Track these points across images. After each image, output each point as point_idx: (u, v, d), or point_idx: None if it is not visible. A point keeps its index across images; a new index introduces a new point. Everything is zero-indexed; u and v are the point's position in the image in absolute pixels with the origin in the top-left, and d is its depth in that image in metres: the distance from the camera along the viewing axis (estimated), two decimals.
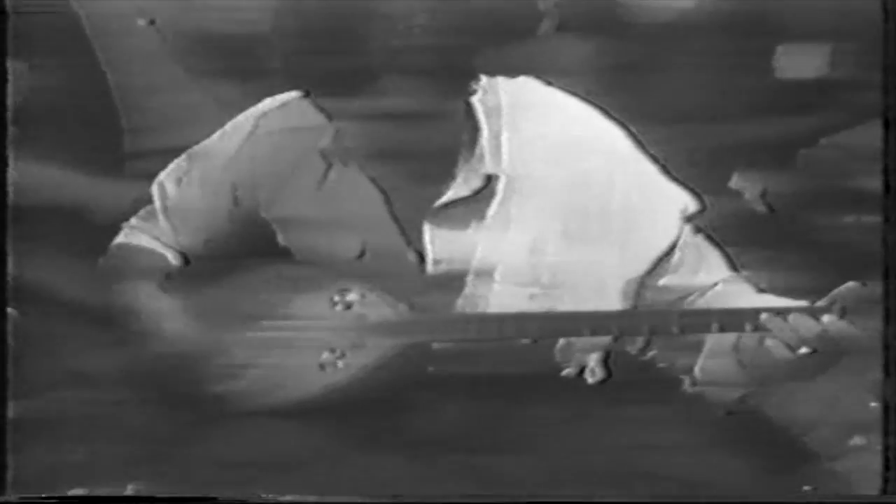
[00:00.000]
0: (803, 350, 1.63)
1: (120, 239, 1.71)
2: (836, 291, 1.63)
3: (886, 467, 1.67)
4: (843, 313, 1.62)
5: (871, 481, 1.67)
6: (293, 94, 1.68)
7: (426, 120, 1.66)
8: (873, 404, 1.66)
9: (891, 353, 1.65)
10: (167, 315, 1.70)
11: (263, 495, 1.69)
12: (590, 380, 1.68)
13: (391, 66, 1.66)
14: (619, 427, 1.68)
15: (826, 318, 1.63)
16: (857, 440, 1.67)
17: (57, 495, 1.71)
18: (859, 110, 1.65)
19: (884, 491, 1.67)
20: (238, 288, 1.69)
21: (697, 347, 1.66)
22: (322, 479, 1.69)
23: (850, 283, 1.64)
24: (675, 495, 1.68)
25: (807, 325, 1.63)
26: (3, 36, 1.70)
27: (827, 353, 1.64)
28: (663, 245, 1.68)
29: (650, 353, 1.68)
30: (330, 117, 1.68)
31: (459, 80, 1.67)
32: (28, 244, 1.70)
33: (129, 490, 1.71)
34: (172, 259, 1.70)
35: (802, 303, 1.64)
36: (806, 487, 1.67)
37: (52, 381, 1.71)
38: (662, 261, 1.68)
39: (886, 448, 1.67)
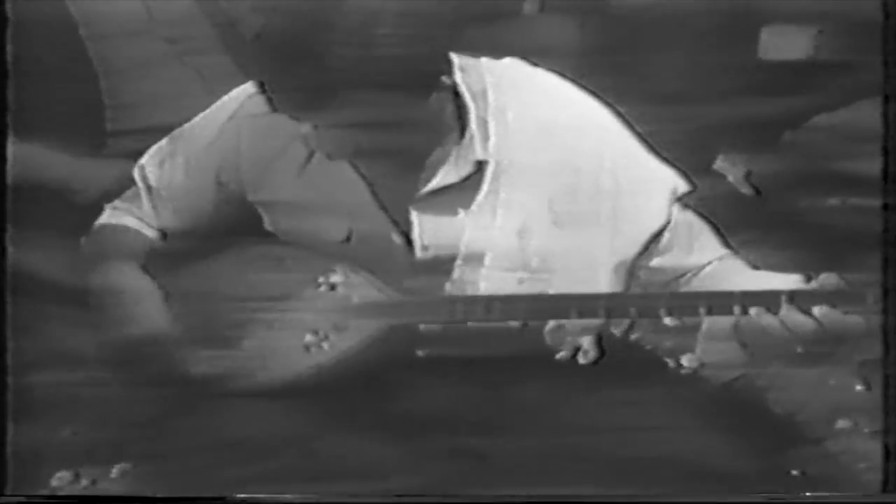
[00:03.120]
0: (798, 350, 1.64)
1: (103, 219, 1.69)
2: (817, 280, 1.63)
3: (886, 458, 1.67)
4: (833, 303, 1.63)
5: (858, 465, 1.66)
6: (249, 90, 1.67)
7: (401, 124, 1.66)
8: (859, 388, 1.65)
9: (890, 342, 1.65)
10: (150, 295, 1.68)
11: (263, 495, 1.67)
12: (583, 361, 1.67)
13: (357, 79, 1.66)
14: (608, 409, 1.66)
15: (817, 311, 1.63)
16: (842, 423, 1.66)
17: (57, 495, 1.69)
18: (844, 92, 1.66)
19: (884, 489, 1.67)
20: (222, 269, 1.67)
21: (683, 330, 1.66)
22: (306, 462, 1.67)
23: (827, 274, 1.64)
24: (669, 481, 1.67)
25: (799, 321, 1.63)
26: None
27: (826, 344, 1.64)
28: (654, 226, 1.67)
29: (634, 336, 1.67)
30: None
31: (430, 84, 1.67)
32: (11, 224, 1.68)
33: (115, 472, 1.68)
34: (156, 240, 1.68)
35: (797, 276, 1.64)
36: (794, 472, 1.66)
37: (36, 361, 1.68)
38: (653, 242, 1.67)
39: (886, 447, 1.67)
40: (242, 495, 1.68)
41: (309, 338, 1.67)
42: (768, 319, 1.63)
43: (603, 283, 1.66)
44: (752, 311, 1.62)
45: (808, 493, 1.66)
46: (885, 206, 1.65)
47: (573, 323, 1.66)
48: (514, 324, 1.67)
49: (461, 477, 1.67)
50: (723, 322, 1.65)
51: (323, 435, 1.67)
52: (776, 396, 1.66)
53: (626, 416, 1.66)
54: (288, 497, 1.68)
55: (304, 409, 1.67)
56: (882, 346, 1.65)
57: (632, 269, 1.67)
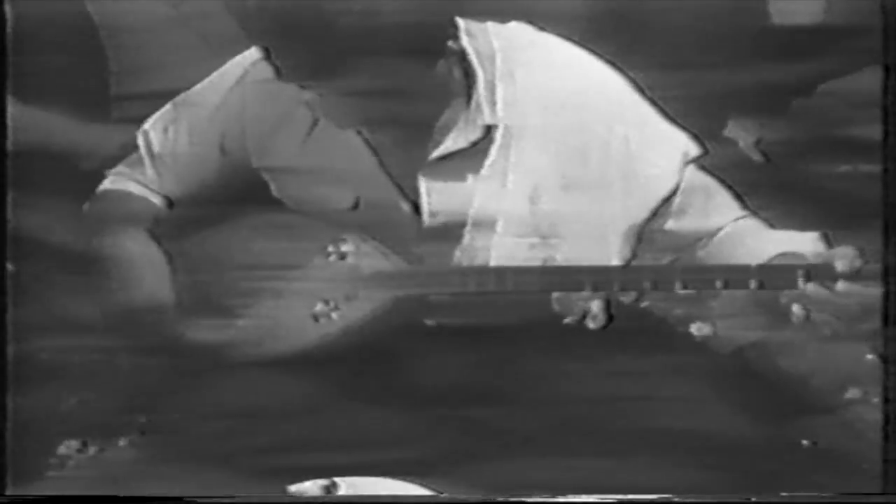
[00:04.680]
0: (817, 318, 1.63)
1: (106, 185, 1.67)
2: (830, 252, 1.62)
3: (885, 462, 1.66)
4: (852, 276, 1.62)
5: (868, 434, 1.65)
6: (254, 55, 1.65)
7: (407, 94, 1.64)
8: (869, 356, 1.65)
9: (890, 306, 1.64)
10: (156, 262, 1.66)
11: (268, 494, 1.66)
12: (591, 325, 1.65)
13: (363, 46, 1.64)
14: (617, 377, 1.65)
15: (839, 286, 1.62)
16: (853, 392, 1.65)
17: (56, 494, 1.68)
18: (854, 58, 1.65)
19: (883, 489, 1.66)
20: (229, 237, 1.65)
21: (694, 298, 1.65)
22: (314, 431, 1.66)
23: (844, 248, 1.63)
24: (678, 451, 1.66)
25: (820, 295, 1.62)
26: None
27: (843, 319, 1.63)
28: (665, 190, 1.65)
29: (644, 304, 1.65)
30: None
31: (437, 50, 1.65)
32: (13, 189, 1.66)
33: (123, 441, 1.67)
34: (161, 206, 1.66)
35: (814, 234, 1.63)
36: (805, 442, 1.65)
37: (41, 327, 1.66)
38: (665, 205, 1.65)
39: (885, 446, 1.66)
40: (244, 494, 1.67)
41: (319, 307, 1.66)
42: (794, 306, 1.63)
43: (614, 247, 1.65)
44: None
45: (807, 494, 1.66)
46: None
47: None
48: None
49: (469, 446, 1.66)
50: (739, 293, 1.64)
51: (331, 404, 1.66)
52: (786, 365, 1.65)
53: (635, 384, 1.65)
54: (292, 497, 1.67)
55: (311, 379, 1.66)
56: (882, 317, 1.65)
57: (642, 232, 1.65)
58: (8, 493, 1.67)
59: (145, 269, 1.66)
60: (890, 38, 1.64)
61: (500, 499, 1.65)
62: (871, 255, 1.64)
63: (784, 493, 1.65)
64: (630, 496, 1.64)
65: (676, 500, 1.65)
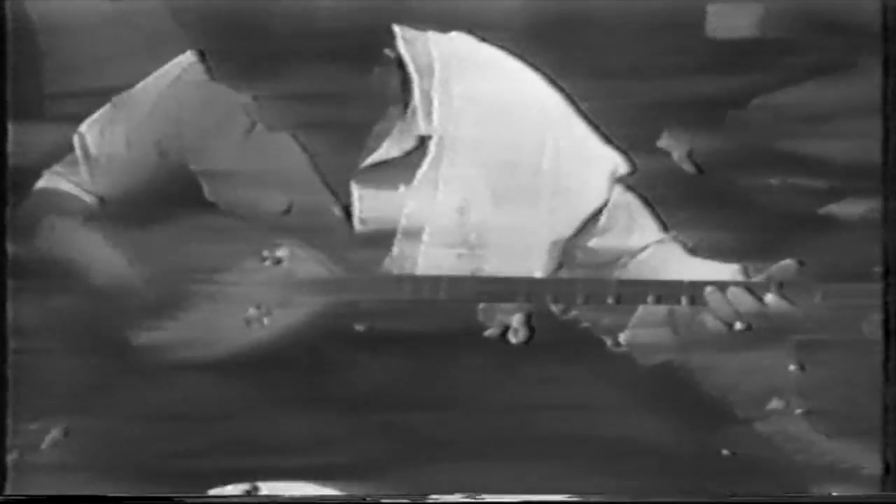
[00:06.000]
0: (738, 326, 1.64)
1: (41, 184, 1.68)
2: (773, 268, 1.64)
3: (886, 471, 1.69)
4: (781, 290, 1.63)
5: (788, 446, 1.68)
6: (189, 58, 1.65)
7: (343, 99, 1.65)
8: (792, 367, 1.67)
9: (891, 352, 1.67)
10: (89, 263, 1.67)
11: (264, 495, 1.69)
12: (513, 340, 1.67)
13: (300, 51, 1.65)
14: (542, 386, 1.68)
15: (768, 296, 1.64)
16: (775, 403, 1.68)
17: (56, 494, 1.69)
18: (789, 71, 1.65)
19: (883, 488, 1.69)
20: (163, 238, 1.67)
21: (620, 309, 1.67)
22: (244, 435, 1.68)
23: (787, 261, 1.65)
24: (600, 460, 1.68)
25: (745, 301, 1.64)
26: None
27: (763, 329, 1.65)
28: (592, 206, 1.67)
29: (572, 314, 1.67)
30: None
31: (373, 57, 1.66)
32: None
33: (46, 443, 1.68)
34: (94, 206, 1.67)
35: (734, 266, 1.65)
36: (725, 452, 1.68)
37: None
38: (591, 222, 1.67)
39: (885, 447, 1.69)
40: (228, 494, 1.69)
41: (251, 311, 1.68)
42: (706, 314, 1.65)
43: (539, 260, 1.67)
44: (706, 289, 1.63)
45: (808, 493, 1.68)
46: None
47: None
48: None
49: (395, 452, 1.68)
50: (658, 308, 1.66)
51: (259, 408, 1.68)
52: (709, 376, 1.67)
53: (556, 393, 1.67)
54: (288, 497, 1.69)
55: (241, 383, 1.67)
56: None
57: (566, 248, 1.67)
58: (8, 493, 1.69)
59: (77, 268, 1.67)
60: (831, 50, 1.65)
61: (431, 500, 1.67)
62: (810, 267, 1.66)
63: (783, 493, 1.68)
64: (544, 497, 1.68)
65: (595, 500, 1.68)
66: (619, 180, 1.66)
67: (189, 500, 1.68)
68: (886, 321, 1.66)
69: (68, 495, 1.69)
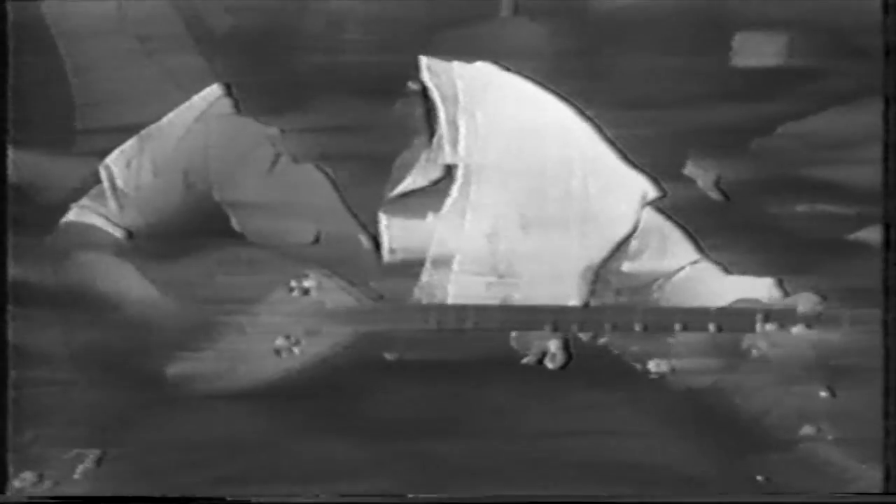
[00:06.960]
0: (766, 351, 1.65)
1: (69, 217, 1.68)
2: (792, 298, 1.64)
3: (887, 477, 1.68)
4: (809, 323, 1.64)
5: (821, 471, 1.67)
6: (216, 91, 1.66)
7: (368, 131, 1.66)
8: (823, 394, 1.66)
9: (891, 367, 1.66)
10: (120, 295, 1.67)
11: (264, 496, 1.68)
12: (550, 366, 1.67)
13: (325, 83, 1.66)
14: (577, 412, 1.67)
15: (795, 330, 1.64)
16: (807, 430, 1.67)
17: (57, 495, 1.69)
18: (815, 99, 1.66)
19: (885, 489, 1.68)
20: (192, 270, 1.67)
21: (651, 336, 1.66)
22: (273, 465, 1.67)
23: (807, 294, 1.65)
24: (635, 485, 1.68)
25: (776, 336, 1.64)
26: None
27: (793, 357, 1.65)
28: (622, 232, 1.67)
29: (602, 340, 1.67)
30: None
31: (398, 89, 1.67)
32: None
33: (78, 473, 1.68)
34: (122, 239, 1.67)
35: (770, 280, 1.65)
36: (759, 477, 1.67)
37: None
38: (622, 247, 1.67)
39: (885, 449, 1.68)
40: (233, 497, 1.68)
41: (280, 342, 1.67)
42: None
43: (570, 287, 1.66)
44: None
45: (807, 494, 1.67)
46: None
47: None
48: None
49: (427, 480, 1.67)
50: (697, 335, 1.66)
51: (290, 438, 1.67)
52: (742, 402, 1.67)
53: (592, 420, 1.67)
54: (288, 499, 1.68)
55: (271, 413, 1.67)
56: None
57: (599, 274, 1.67)
58: (8, 492, 1.69)
59: (106, 301, 1.67)
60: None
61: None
62: (832, 299, 1.66)
63: (784, 493, 1.67)
64: None
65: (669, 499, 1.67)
66: (648, 204, 1.66)
67: (204, 500, 1.67)
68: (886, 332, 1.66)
69: (68, 496, 1.68)
